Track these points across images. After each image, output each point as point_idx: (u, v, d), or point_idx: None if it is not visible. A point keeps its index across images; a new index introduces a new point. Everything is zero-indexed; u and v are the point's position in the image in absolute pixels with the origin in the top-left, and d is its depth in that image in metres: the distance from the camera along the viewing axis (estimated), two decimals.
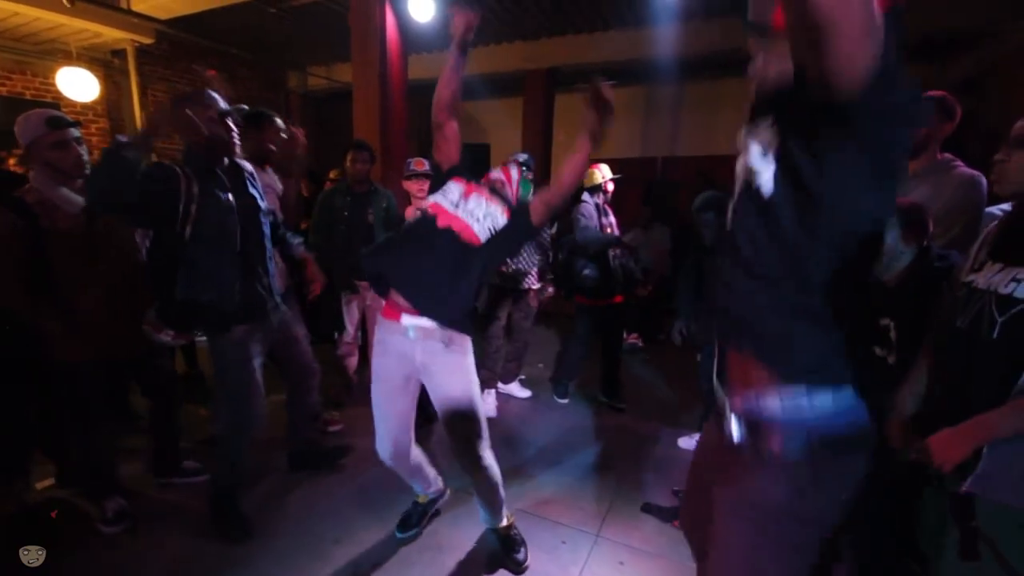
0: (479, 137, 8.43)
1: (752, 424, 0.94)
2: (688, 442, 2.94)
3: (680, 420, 3.24)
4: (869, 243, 0.89)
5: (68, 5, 4.25)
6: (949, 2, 4.39)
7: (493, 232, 1.71)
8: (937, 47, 5.26)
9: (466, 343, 1.76)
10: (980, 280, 1.19)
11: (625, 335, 4.79)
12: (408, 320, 1.68)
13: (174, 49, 6.10)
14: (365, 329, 3.46)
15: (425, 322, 1.67)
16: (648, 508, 2.33)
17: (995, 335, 1.11)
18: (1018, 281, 1.10)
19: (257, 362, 2.06)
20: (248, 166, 2.07)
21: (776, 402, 0.90)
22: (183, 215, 1.77)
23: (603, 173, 3.35)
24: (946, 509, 1.21)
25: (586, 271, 3.28)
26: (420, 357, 1.72)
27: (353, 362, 3.41)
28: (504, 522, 2.02)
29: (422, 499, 2.17)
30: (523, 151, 3.31)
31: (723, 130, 7.11)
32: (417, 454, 2.00)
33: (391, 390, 1.81)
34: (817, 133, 0.80)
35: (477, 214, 1.71)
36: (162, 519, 2.18)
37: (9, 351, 2.07)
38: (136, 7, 4.89)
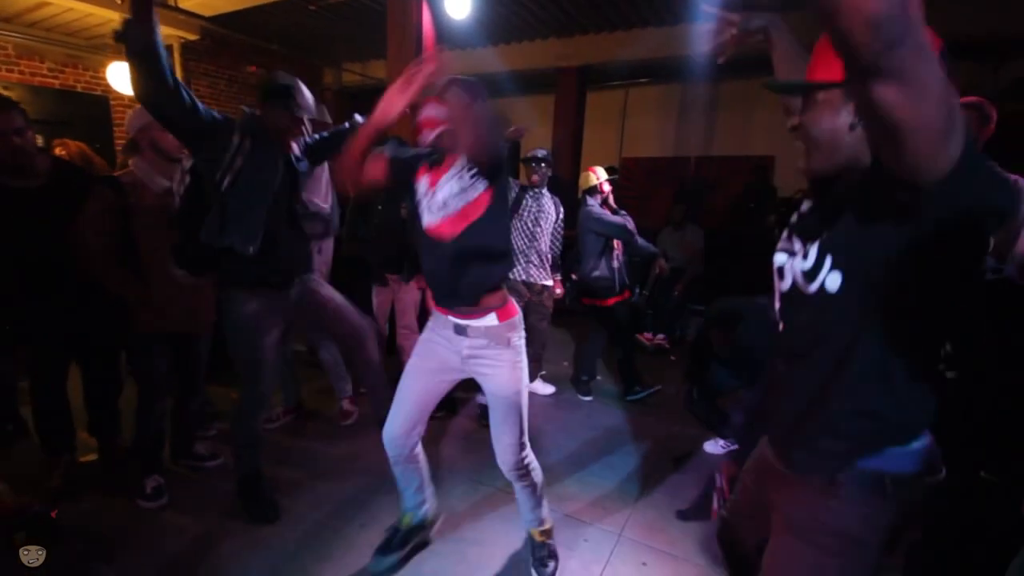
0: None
1: (827, 462, 0.95)
2: (713, 447, 2.89)
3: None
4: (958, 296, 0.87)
5: (119, 1, 4.41)
6: (1003, 4, 4.22)
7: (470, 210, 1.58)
8: (991, 49, 5.04)
9: (513, 343, 1.69)
10: None
11: (652, 335, 4.75)
12: (452, 317, 1.67)
13: (217, 45, 6.28)
14: (393, 322, 3.51)
15: (468, 320, 1.65)
16: (684, 515, 2.30)
17: None
18: None
19: (270, 339, 2.03)
20: (304, 166, 2.13)
21: (855, 457, 0.92)
22: (227, 164, 1.83)
23: (598, 175, 3.34)
24: None
25: (595, 273, 3.30)
26: (467, 351, 1.68)
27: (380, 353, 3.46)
28: (544, 526, 1.93)
29: (406, 521, 1.96)
30: (551, 148, 3.32)
31: (758, 130, 6.96)
32: (421, 457, 1.91)
33: (422, 371, 1.78)
34: (896, 215, 0.78)
35: (451, 204, 1.59)
36: (194, 498, 2.27)
37: (58, 329, 2.19)
38: (183, 4, 5.05)
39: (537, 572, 1.91)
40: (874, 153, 0.81)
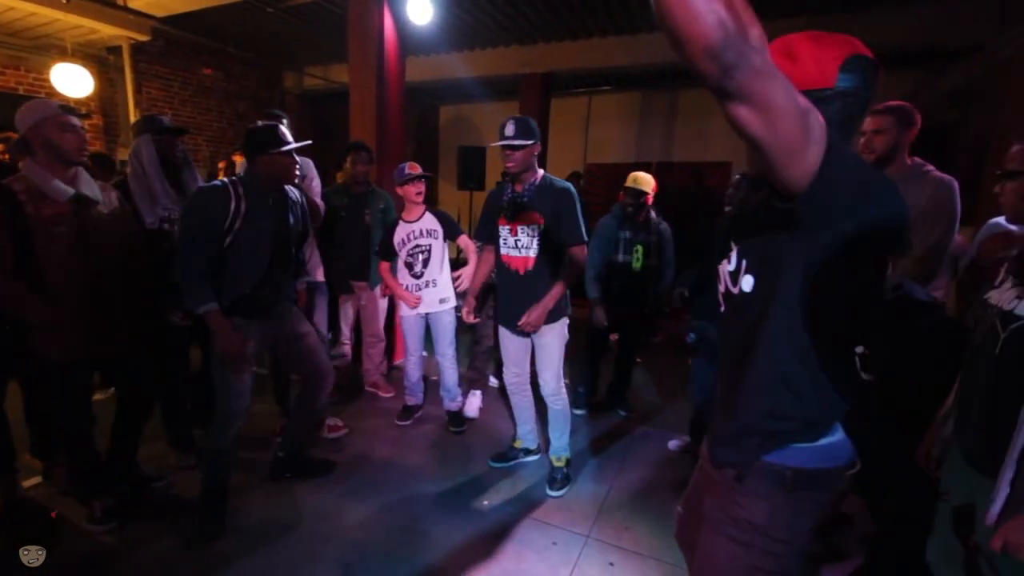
0: (475, 140, 8.43)
1: (737, 456, 1.00)
2: (678, 444, 2.95)
3: (669, 422, 3.26)
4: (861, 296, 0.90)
5: (64, 1, 4.22)
6: (938, 16, 4.47)
7: (540, 243, 2.24)
8: (928, 57, 5.33)
9: (562, 318, 2.35)
10: (993, 296, 1.21)
11: (612, 336, 4.80)
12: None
13: (170, 47, 6.07)
14: (359, 328, 3.46)
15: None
16: None
17: (997, 350, 1.13)
18: (1020, 299, 1.12)
19: (248, 354, 2.05)
20: (295, 193, 2.21)
21: (762, 452, 0.96)
22: (227, 230, 1.93)
23: (641, 180, 3.04)
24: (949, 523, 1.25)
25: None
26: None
27: (346, 362, 3.41)
28: (564, 455, 2.49)
29: (518, 443, 2.70)
30: None
31: (717, 137, 7.17)
32: (529, 392, 2.57)
33: (507, 335, 2.45)
34: (785, 225, 0.85)
35: (524, 243, 2.28)
36: (143, 519, 2.17)
37: None
38: (133, 4, 4.87)
39: (550, 488, 2.44)
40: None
